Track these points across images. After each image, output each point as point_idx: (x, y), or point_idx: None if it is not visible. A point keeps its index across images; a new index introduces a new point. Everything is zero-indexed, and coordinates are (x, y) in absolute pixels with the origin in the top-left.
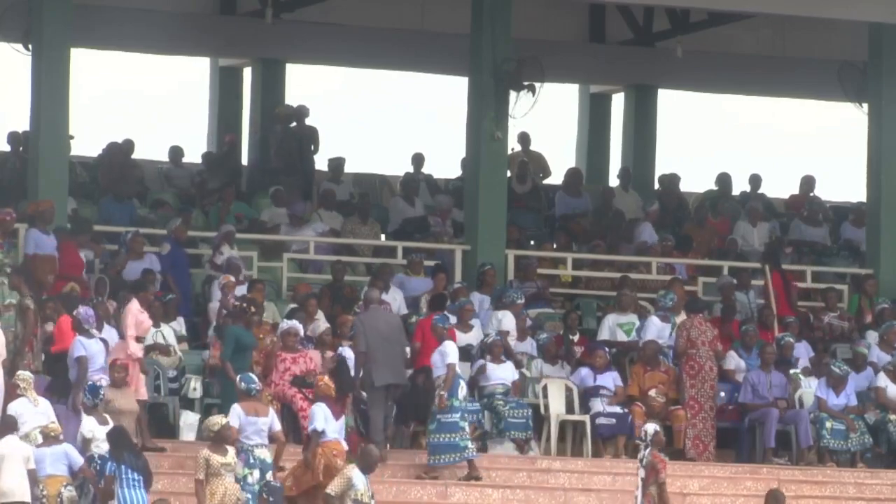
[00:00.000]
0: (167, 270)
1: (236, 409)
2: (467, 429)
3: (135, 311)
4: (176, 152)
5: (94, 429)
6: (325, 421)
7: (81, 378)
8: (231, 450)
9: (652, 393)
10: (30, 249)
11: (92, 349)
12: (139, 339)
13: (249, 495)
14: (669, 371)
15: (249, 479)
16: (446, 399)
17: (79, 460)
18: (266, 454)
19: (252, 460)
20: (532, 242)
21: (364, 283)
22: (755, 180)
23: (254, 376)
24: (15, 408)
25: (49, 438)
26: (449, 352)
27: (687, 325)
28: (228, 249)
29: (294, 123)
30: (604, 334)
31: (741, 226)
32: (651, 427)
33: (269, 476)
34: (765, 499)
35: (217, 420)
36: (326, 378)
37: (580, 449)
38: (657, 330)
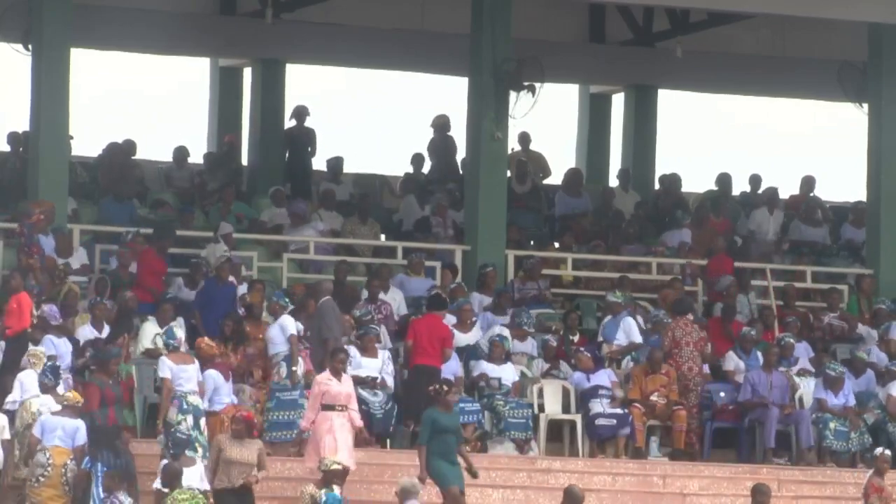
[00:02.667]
0: (198, 307)
1: (165, 361)
2: (306, 406)
3: (321, 381)
4: (181, 152)
5: (51, 405)
6: (215, 390)
7: None
8: (337, 489)
9: (654, 397)
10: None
11: (60, 349)
12: (328, 408)
13: (185, 436)
14: (670, 373)
15: (183, 426)
16: (299, 376)
17: (83, 439)
18: (198, 401)
19: (185, 406)
20: (532, 242)
21: (364, 283)
22: (755, 180)
23: (177, 332)
24: (21, 377)
25: (68, 408)
26: (288, 325)
27: (672, 326)
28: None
29: (294, 123)
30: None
31: (757, 214)
32: (879, 449)
33: (181, 425)
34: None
35: (333, 460)
36: (207, 339)
37: (574, 448)
38: (637, 328)
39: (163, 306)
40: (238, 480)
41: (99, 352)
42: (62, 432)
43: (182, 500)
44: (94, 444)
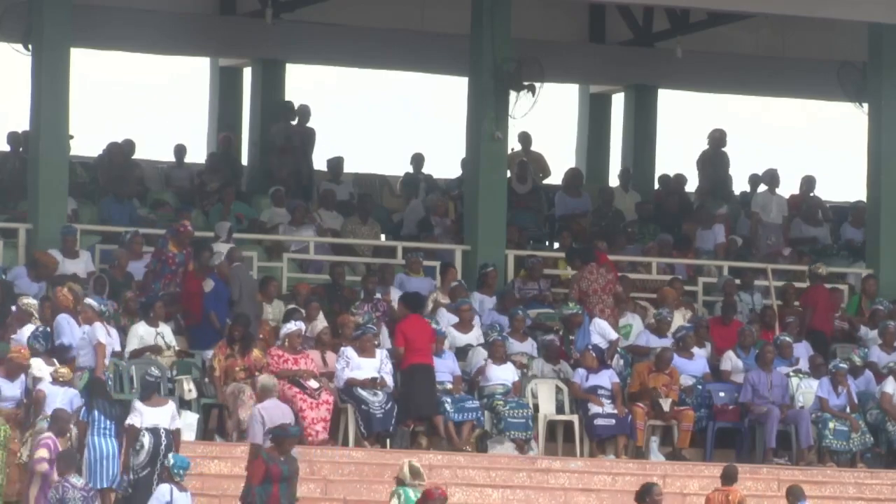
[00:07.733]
0: (210, 307)
1: (101, 328)
2: None
3: None
4: (180, 149)
5: (42, 368)
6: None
7: None
8: None
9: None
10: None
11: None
12: None
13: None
14: (673, 373)
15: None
16: None
17: (79, 404)
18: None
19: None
20: (530, 244)
21: (360, 283)
22: (755, 180)
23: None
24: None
25: (58, 381)
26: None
27: (577, 277)
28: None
29: (296, 122)
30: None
31: (759, 197)
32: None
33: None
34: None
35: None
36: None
37: (572, 449)
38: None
39: (154, 305)
40: None
41: (278, 429)
42: (62, 400)
43: None
44: (90, 395)
